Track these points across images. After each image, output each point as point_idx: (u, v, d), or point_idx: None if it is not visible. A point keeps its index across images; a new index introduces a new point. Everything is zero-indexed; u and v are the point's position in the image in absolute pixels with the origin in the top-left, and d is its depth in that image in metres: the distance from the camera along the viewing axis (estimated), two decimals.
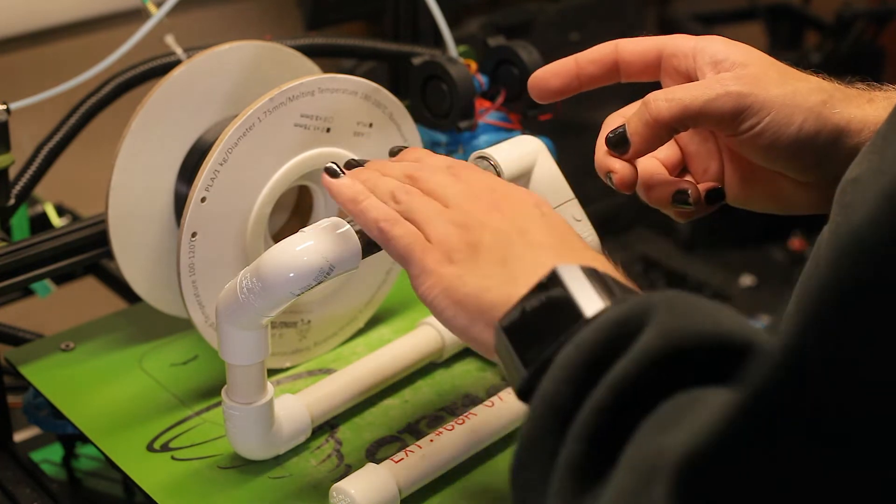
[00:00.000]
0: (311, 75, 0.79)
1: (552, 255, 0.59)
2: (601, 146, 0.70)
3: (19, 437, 0.94)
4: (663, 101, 0.66)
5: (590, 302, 0.54)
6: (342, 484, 0.71)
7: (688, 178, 0.73)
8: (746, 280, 1.55)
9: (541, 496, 0.50)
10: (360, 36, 1.07)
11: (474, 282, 0.59)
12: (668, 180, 0.72)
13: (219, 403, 0.80)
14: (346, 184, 0.65)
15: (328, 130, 0.81)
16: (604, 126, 0.71)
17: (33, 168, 0.88)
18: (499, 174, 0.74)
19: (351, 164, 0.70)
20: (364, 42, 1.02)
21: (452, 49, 0.94)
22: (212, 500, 0.74)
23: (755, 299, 1.52)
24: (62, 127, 0.89)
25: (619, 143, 0.68)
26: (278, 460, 0.77)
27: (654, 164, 0.72)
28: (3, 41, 1.32)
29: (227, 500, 0.74)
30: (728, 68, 0.67)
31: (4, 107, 0.84)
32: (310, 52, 0.90)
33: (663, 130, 0.67)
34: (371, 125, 0.83)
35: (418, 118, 0.91)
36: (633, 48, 0.71)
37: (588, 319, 0.53)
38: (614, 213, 1.60)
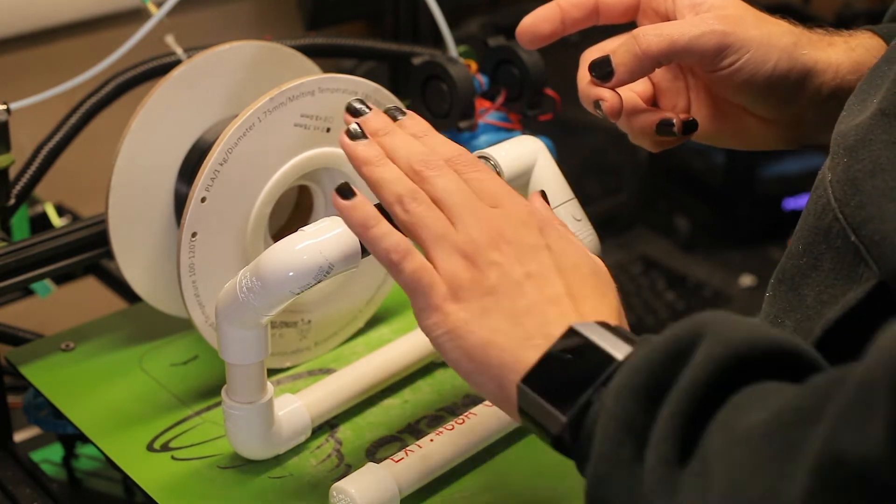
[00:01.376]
0: (311, 75, 0.79)
1: (560, 310, 0.60)
2: (585, 77, 0.74)
3: (19, 437, 0.94)
4: (653, 35, 0.71)
5: (616, 348, 0.57)
6: (342, 483, 0.71)
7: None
8: (746, 280, 1.55)
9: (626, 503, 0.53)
10: (360, 36, 1.07)
11: (481, 334, 0.60)
12: (651, 109, 0.76)
13: (219, 403, 0.80)
14: (358, 206, 0.64)
15: (328, 130, 0.81)
16: (582, 59, 0.74)
17: (33, 168, 0.88)
18: (499, 174, 0.74)
19: (352, 108, 0.68)
20: (364, 42, 1.02)
21: (452, 49, 0.94)
22: (212, 500, 0.74)
23: (755, 299, 1.51)
24: (62, 127, 0.89)
25: (603, 72, 0.72)
26: (278, 460, 0.77)
27: (633, 96, 0.76)
28: (3, 41, 1.32)
29: (227, 500, 0.74)
30: (707, 10, 0.72)
31: (4, 107, 0.84)
32: (310, 52, 0.90)
33: (649, 63, 0.71)
34: None
35: None
36: None
37: (620, 361, 0.56)
38: (614, 213, 1.60)
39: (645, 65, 0.71)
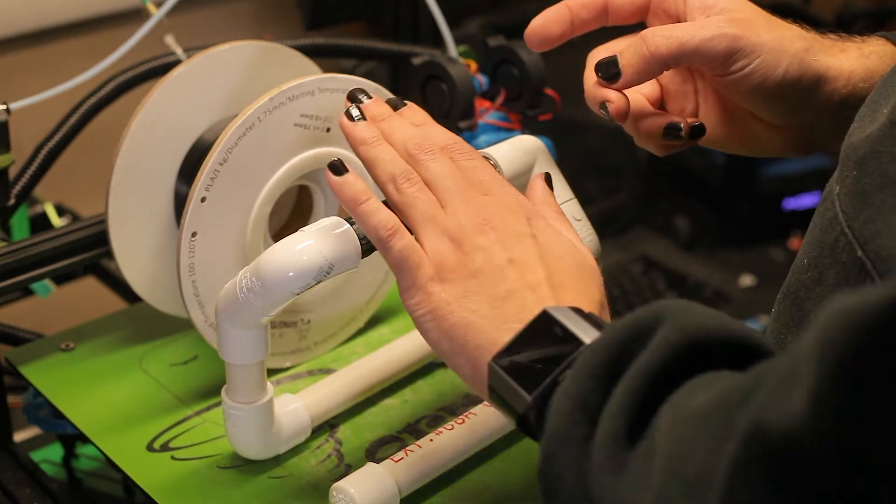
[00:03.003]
0: (311, 75, 0.79)
1: (537, 296, 0.61)
2: (591, 78, 0.73)
3: (19, 437, 0.94)
4: (661, 37, 0.70)
5: (586, 333, 0.58)
6: (342, 483, 0.71)
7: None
8: (746, 280, 1.55)
9: (574, 480, 0.53)
10: (360, 36, 1.07)
11: (462, 315, 0.61)
12: (659, 113, 0.76)
13: (219, 403, 0.80)
14: (349, 181, 0.66)
15: (328, 130, 0.81)
16: (590, 58, 0.74)
17: (33, 168, 0.88)
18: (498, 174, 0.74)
19: (353, 96, 0.70)
20: (364, 42, 1.02)
21: (452, 49, 0.94)
22: (212, 500, 0.74)
23: (755, 299, 1.52)
24: (62, 127, 0.89)
25: (610, 73, 0.71)
26: (278, 460, 0.77)
27: (640, 98, 0.76)
28: (4, 41, 1.32)
29: (227, 499, 0.74)
30: (717, 13, 0.71)
31: (4, 107, 0.84)
32: (310, 52, 0.90)
33: (657, 65, 0.71)
34: None
35: None
36: None
37: (589, 344, 0.57)
38: (614, 213, 1.60)
39: (653, 67, 0.71)
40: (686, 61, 0.71)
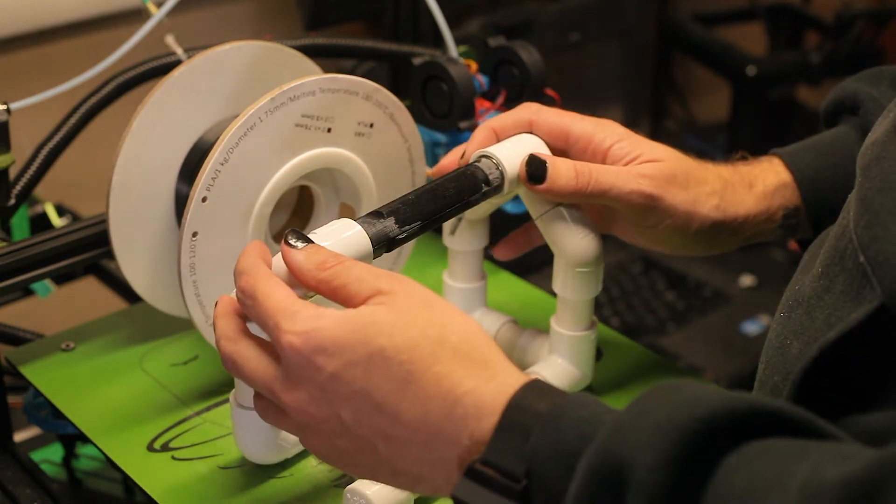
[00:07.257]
0: (312, 75, 0.79)
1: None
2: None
3: (19, 437, 0.94)
4: (592, 179, 0.73)
5: None
6: (357, 485, 0.70)
7: None
8: (746, 280, 1.56)
9: None
10: (360, 36, 1.07)
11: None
12: None
13: (219, 403, 0.80)
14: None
15: (329, 130, 0.81)
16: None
17: (33, 168, 0.88)
18: (501, 172, 0.75)
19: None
20: (364, 42, 1.02)
21: (452, 49, 0.94)
22: (212, 500, 0.74)
23: (755, 299, 1.52)
24: (62, 127, 0.89)
25: (536, 175, 0.74)
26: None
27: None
28: (4, 41, 1.32)
29: (228, 499, 0.74)
30: (637, 158, 0.75)
31: (4, 107, 0.83)
32: (310, 52, 0.90)
33: (578, 196, 0.74)
34: (372, 125, 0.83)
35: (418, 118, 0.91)
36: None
37: None
38: None
39: (572, 195, 0.73)
40: (604, 202, 0.74)
